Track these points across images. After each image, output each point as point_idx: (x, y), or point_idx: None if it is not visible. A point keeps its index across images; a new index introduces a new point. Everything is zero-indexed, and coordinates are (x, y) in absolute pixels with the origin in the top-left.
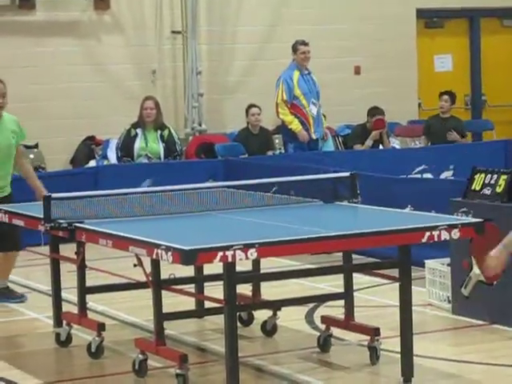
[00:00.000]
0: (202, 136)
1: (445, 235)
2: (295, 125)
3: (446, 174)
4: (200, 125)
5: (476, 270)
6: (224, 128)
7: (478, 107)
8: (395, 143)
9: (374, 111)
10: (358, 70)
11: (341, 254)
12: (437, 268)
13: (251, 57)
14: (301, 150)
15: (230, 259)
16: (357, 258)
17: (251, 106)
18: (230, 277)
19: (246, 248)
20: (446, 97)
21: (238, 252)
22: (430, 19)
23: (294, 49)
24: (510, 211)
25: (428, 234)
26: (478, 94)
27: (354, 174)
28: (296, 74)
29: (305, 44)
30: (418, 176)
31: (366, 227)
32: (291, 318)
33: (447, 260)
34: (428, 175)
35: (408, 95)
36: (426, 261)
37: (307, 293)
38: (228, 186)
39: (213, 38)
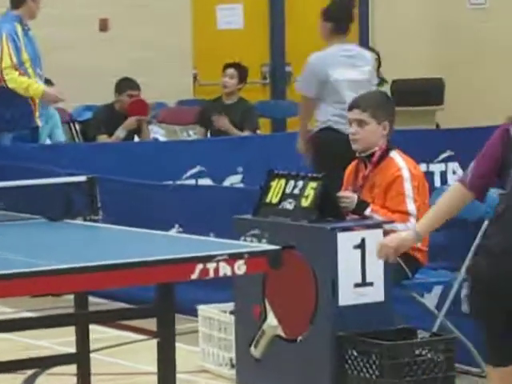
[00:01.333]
0: None
1: (225, 269)
2: (35, 88)
3: (233, 180)
4: None
5: (272, 320)
6: None
7: (280, 82)
8: (159, 133)
9: (126, 85)
10: (104, 25)
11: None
12: (215, 317)
13: None
14: (21, 142)
15: None
16: (98, 303)
17: None
18: None
19: None
20: (231, 71)
21: None
22: None
23: None
24: (322, 234)
25: (200, 267)
26: (281, 62)
27: (93, 179)
28: (19, 29)
29: None
30: (192, 182)
31: (109, 257)
32: None
33: (230, 306)
34: (206, 181)
35: (178, 64)
36: (199, 307)
37: (23, 354)
38: None
39: None
